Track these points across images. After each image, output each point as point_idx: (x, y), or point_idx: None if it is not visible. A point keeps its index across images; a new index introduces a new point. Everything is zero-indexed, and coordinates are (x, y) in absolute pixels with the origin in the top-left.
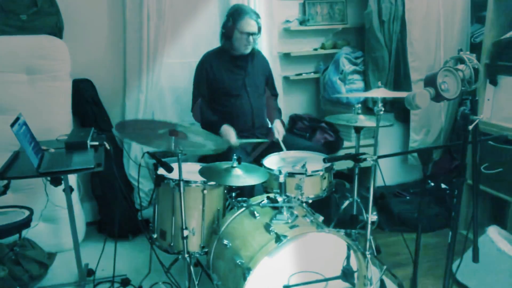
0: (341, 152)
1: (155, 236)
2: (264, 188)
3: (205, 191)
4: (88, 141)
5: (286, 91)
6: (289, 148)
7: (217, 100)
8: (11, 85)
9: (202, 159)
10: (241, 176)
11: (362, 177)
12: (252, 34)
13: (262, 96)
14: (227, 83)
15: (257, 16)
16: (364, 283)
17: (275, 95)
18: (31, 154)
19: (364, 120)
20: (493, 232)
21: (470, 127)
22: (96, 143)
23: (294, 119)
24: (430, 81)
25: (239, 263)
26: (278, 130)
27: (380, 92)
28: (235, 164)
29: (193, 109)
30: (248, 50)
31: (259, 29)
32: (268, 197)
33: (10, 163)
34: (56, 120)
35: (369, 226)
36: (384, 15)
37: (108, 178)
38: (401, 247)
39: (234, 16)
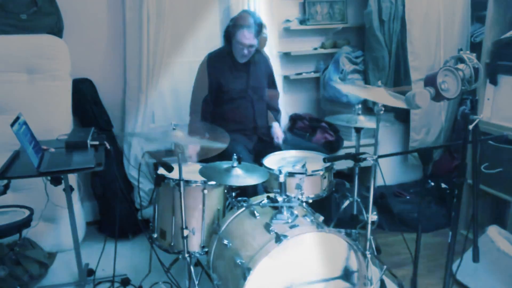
0: (341, 152)
1: (155, 235)
2: (264, 187)
3: (205, 191)
4: (88, 141)
5: (286, 90)
6: (290, 148)
7: (219, 102)
8: (11, 84)
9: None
10: (241, 176)
11: (362, 176)
12: (249, 46)
13: (264, 97)
14: (230, 86)
15: (259, 26)
16: (364, 283)
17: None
18: (31, 154)
19: (364, 121)
20: (493, 232)
21: (470, 127)
22: (96, 142)
23: (294, 118)
24: (430, 81)
25: (239, 263)
26: (278, 135)
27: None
28: (235, 164)
29: (191, 108)
30: (243, 60)
31: (263, 39)
32: (268, 197)
33: (10, 162)
34: (56, 120)
35: (369, 226)
36: (384, 15)
37: (108, 178)
38: (401, 247)
39: (235, 24)
